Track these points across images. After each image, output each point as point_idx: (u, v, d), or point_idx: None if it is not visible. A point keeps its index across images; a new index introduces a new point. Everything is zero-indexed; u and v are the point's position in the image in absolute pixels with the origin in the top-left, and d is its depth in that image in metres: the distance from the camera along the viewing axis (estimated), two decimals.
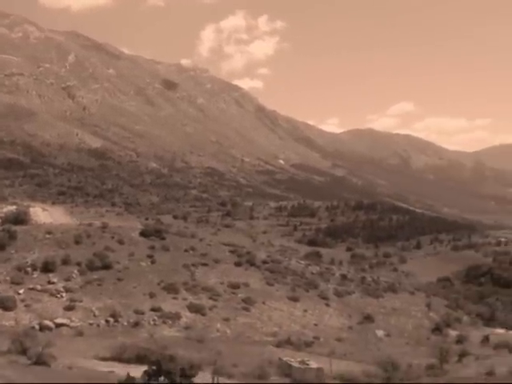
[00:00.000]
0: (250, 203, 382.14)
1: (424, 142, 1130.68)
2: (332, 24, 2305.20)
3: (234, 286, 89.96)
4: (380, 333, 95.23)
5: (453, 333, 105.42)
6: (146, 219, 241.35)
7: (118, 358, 46.14)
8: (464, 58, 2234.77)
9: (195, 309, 75.36)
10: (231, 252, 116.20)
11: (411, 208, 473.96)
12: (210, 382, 36.14)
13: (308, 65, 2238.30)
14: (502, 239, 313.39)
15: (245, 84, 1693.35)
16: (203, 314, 75.46)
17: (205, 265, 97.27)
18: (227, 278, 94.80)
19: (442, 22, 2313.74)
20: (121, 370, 39.00)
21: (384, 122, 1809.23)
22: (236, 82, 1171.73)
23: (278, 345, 70.75)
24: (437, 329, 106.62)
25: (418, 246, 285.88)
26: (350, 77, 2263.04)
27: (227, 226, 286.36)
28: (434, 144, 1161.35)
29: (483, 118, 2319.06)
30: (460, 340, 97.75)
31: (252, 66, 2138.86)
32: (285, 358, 52.73)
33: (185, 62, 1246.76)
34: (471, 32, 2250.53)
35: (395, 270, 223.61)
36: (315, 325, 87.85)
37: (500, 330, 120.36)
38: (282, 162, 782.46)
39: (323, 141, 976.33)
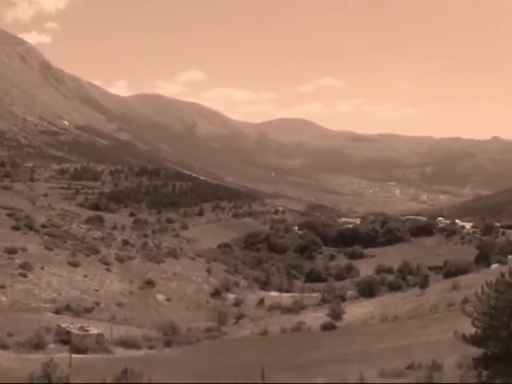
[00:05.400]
0: (31, 165, 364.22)
1: (211, 111, 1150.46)
2: None
3: (11, 251, 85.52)
4: (161, 297, 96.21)
5: (231, 296, 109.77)
6: None
7: None
8: (256, 31, 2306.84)
9: None
10: (8, 216, 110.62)
11: (195, 175, 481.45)
12: None
13: (100, 23, 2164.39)
14: (280, 208, 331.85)
15: (32, 38, 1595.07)
16: None
17: None
18: (3, 242, 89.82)
19: None
20: None
21: (172, 88, 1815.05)
22: (22, 36, 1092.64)
23: (57, 311, 68.62)
24: (216, 293, 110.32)
25: (201, 213, 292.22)
26: (140, 39, 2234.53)
27: (5, 188, 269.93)
28: (221, 113, 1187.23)
29: (268, 92, 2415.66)
30: (237, 303, 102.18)
31: (40, 19, 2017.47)
32: (64, 325, 51.15)
33: None
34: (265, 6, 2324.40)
35: (177, 235, 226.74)
36: (96, 290, 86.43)
37: (274, 293, 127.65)
38: (66, 122, 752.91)
39: (110, 103, 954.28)
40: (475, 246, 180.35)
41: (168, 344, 54.96)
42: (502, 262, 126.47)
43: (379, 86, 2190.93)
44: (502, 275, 28.69)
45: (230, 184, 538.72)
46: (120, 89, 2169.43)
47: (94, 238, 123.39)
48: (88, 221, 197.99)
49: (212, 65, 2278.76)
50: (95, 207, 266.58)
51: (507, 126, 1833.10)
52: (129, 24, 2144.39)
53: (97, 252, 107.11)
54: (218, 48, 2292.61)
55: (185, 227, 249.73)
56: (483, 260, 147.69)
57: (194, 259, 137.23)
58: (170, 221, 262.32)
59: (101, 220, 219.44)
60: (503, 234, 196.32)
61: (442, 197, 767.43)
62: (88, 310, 73.54)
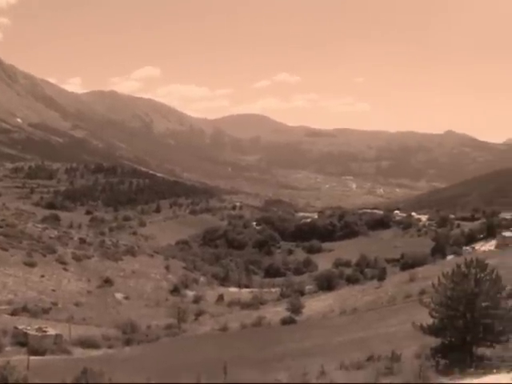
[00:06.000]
0: None
1: (166, 108, 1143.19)
2: None
3: None
4: (119, 296, 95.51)
5: (190, 293, 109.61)
6: None
7: None
8: (212, 27, 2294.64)
9: None
10: None
11: (152, 172, 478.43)
12: None
13: (53, 19, 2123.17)
14: (237, 204, 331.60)
15: None
16: None
17: None
18: None
19: None
20: None
21: (128, 85, 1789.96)
22: None
23: (14, 313, 67.56)
24: (175, 290, 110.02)
25: (158, 210, 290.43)
26: (95, 36, 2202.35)
27: None
28: (177, 110, 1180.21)
29: (224, 88, 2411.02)
30: (197, 300, 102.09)
31: None
32: (21, 327, 50.37)
33: None
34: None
35: (135, 233, 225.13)
36: (53, 290, 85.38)
37: (233, 289, 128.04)
38: (19, 120, 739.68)
39: (64, 101, 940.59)
40: (431, 238, 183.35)
41: (127, 343, 54.64)
42: (457, 254, 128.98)
43: (334, 80, 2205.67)
44: (458, 266, 29.30)
45: (187, 180, 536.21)
46: (75, 86, 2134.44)
47: (51, 238, 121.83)
48: (44, 220, 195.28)
49: (168, 61, 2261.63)
50: (51, 206, 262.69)
51: (461, 120, 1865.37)
52: (83, 20, 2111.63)
53: (53, 251, 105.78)
54: (174, 44, 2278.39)
55: (142, 224, 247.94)
56: (439, 252, 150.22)
57: (152, 256, 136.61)
58: (127, 218, 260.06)
59: (57, 219, 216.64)
60: (458, 225, 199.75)
61: (397, 190, 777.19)
62: (45, 311, 72.59)
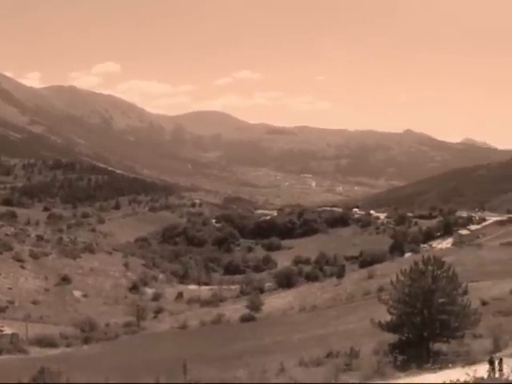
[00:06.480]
0: None
1: (127, 104, 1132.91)
2: None
3: None
4: (78, 294, 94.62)
5: (149, 291, 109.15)
6: None
7: None
8: (173, 23, 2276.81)
9: None
10: None
11: (111, 169, 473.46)
12: None
13: (11, 12, 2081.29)
14: (197, 201, 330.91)
15: None
16: None
17: None
18: None
19: None
20: None
21: (87, 80, 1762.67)
22: None
23: None
24: (134, 287, 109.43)
25: (117, 207, 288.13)
26: (55, 30, 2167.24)
27: None
28: (137, 106, 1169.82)
29: (185, 84, 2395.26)
30: (156, 297, 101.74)
31: None
32: None
33: None
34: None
35: (93, 230, 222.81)
36: (9, 288, 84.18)
37: (193, 286, 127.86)
38: None
39: (22, 95, 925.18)
40: (389, 235, 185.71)
41: (86, 341, 54.21)
42: (414, 251, 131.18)
43: (295, 78, 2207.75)
44: (416, 263, 29.75)
45: (147, 177, 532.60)
46: (33, 80, 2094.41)
47: (7, 235, 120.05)
48: (0, 217, 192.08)
49: (129, 57, 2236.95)
50: (7, 202, 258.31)
51: (419, 119, 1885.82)
52: (43, 14, 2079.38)
53: (10, 249, 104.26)
54: (135, 40, 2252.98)
55: (101, 221, 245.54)
56: (397, 249, 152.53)
57: (111, 254, 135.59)
58: (85, 215, 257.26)
59: (13, 216, 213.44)
60: (416, 223, 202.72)
61: (356, 188, 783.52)
62: (1, 310, 71.69)
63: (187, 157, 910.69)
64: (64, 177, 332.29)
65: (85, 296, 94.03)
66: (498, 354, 24.14)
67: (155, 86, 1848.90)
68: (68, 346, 51.58)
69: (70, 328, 61.77)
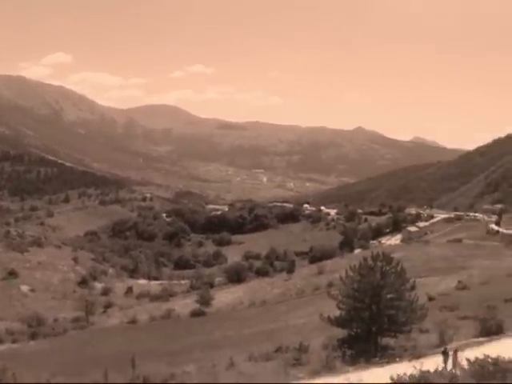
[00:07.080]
0: None
1: (77, 96, 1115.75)
2: None
3: None
4: (25, 288, 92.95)
5: (99, 285, 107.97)
6: None
7: None
8: (126, 15, 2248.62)
9: None
10: None
11: (60, 161, 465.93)
12: None
13: None
14: (148, 195, 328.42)
15: None
16: None
17: None
18: None
19: None
20: None
21: (37, 71, 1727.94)
22: None
23: None
24: (83, 282, 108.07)
25: (67, 200, 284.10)
26: (2, 19, 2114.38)
27: None
28: (88, 98, 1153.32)
29: (138, 77, 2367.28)
30: (105, 292, 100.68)
31: None
32: None
33: None
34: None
35: (42, 223, 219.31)
36: None
37: (143, 281, 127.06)
38: None
39: None
40: (339, 231, 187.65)
41: (33, 336, 53.35)
42: (364, 247, 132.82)
43: (248, 73, 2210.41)
44: (365, 259, 30.21)
45: (97, 170, 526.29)
46: None
47: None
48: None
49: (80, 48, 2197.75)
50: None
51: (370, 116, 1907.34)
52: None
53: None
54: (88, 31, 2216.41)
55: (50, 215, 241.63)
56: (347, 245, 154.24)
57: (59, 248, 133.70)
58: (34, 208, 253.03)
59: None
60: (365, 220, 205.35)
61: (307, 184, 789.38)
62: None
63: (139, 150, 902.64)
64: (12, 169, 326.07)
65: (32, 291, 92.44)
66: (448, 347, 24.73)
67: (107, 78, 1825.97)
68: (14, 341, 50.71)
69: (17, 323, 60.70)
